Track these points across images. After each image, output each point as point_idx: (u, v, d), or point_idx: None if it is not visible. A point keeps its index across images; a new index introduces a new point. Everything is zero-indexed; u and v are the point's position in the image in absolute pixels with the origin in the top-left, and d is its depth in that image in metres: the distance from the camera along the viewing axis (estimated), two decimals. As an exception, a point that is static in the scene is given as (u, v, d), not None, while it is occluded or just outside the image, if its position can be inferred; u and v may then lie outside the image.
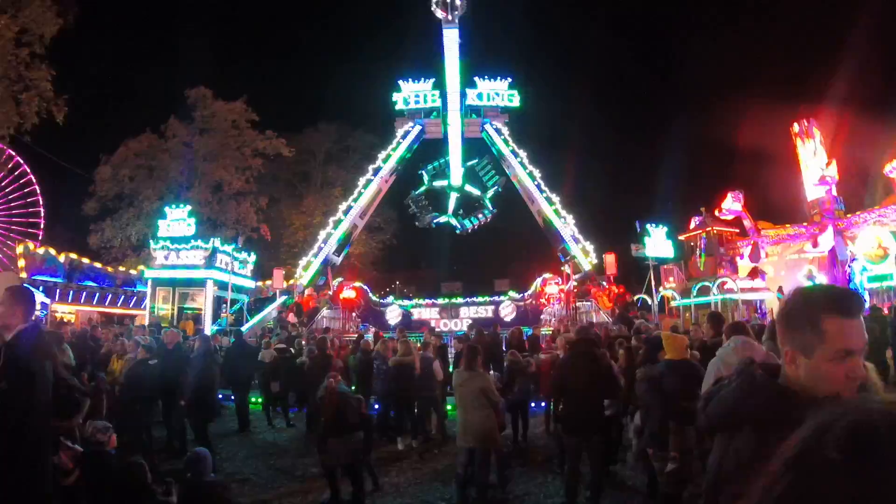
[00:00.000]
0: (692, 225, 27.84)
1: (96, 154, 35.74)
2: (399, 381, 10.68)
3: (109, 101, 36.16)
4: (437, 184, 31.97)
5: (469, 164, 31.99)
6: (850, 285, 22.11)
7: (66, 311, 25.86)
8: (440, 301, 28.44)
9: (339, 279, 28.25)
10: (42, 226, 31.97)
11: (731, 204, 26.24)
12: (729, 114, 50.19)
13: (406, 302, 29.80)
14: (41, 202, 31.87)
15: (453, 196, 32.03)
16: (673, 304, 27.14)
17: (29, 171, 31.66)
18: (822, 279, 23.26)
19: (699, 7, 62.37)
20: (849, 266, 22.61)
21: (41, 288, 25.06)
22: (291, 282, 28.97)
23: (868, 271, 22.03)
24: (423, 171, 31.87)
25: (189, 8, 65.60)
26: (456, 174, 31.67)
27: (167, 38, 59.77)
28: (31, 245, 27.72)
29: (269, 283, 30.01)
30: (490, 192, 31.66)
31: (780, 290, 23.34)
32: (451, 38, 27.49)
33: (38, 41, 23.35)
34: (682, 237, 28.25)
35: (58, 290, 26.27)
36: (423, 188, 31.85)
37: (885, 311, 15.08)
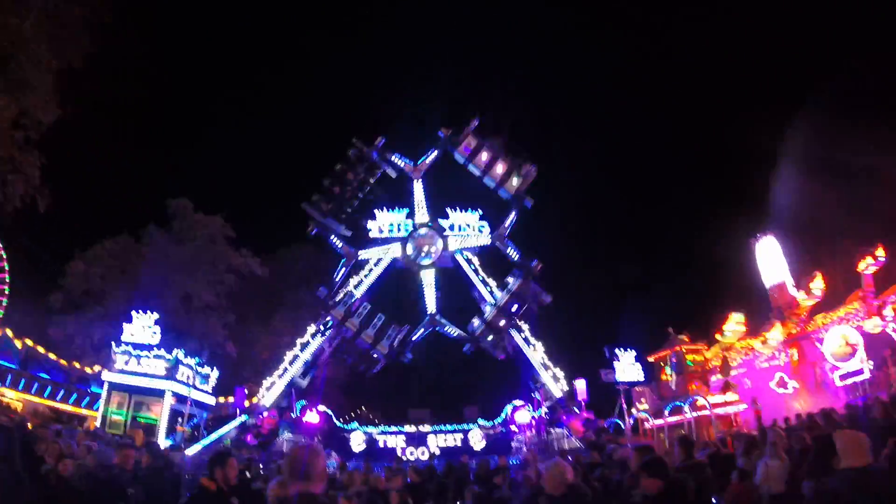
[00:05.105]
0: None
1: (67, 244, 35.50)
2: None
3: (90, 196, 36.67)
4: None
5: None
6: (825, 387, 22.16)
7: (12, 398, 24.40)
8: (407, 429, 27.81)
9: (303, 402, 27.51)
10: (3, 304, 30.73)
11: (735, 326, 26.41)
12: (686, 229, 51.86)
13: (371, 429, 28.94)
14: (7, 280, 30.87)
15: None
16: (647, 425, 27.01)
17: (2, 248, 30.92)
18: (793, 384, 23.48)
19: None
20: (819, 368, 22.76)
21: (-7, 370, 23.81)
22: (253, 401, 28.01)
23: (840, 370, 22.08)
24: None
25: (184, 120, 68.94)
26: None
27: (158, 144, 61.57)
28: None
29: (229, 399, 28.92)
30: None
31: (754, 401, 23.36)
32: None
33: (35, 126, 23.37)
34: (651, 358, 28.85)
35: (10, 376, 24.97)
36: None
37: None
